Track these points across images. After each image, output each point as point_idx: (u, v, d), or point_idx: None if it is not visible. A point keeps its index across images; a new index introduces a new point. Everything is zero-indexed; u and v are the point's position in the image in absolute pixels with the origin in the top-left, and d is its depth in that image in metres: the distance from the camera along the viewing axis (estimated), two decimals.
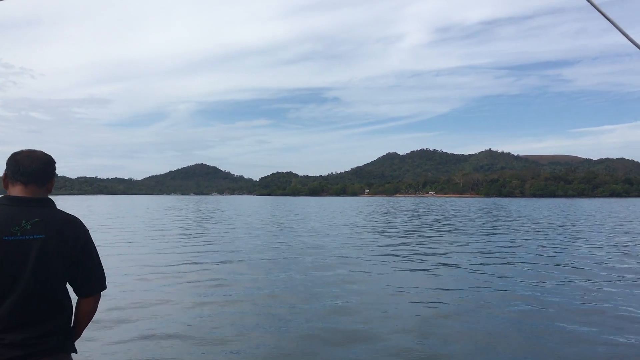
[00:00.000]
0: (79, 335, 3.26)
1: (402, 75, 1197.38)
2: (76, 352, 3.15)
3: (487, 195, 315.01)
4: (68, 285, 3.10)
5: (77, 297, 3.17)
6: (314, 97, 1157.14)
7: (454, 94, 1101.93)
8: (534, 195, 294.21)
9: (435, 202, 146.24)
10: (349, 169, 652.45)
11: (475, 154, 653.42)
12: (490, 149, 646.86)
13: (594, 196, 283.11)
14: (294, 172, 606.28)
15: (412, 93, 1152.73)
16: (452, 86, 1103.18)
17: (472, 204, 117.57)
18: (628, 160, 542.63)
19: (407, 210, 70.37)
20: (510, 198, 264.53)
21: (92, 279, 3.14)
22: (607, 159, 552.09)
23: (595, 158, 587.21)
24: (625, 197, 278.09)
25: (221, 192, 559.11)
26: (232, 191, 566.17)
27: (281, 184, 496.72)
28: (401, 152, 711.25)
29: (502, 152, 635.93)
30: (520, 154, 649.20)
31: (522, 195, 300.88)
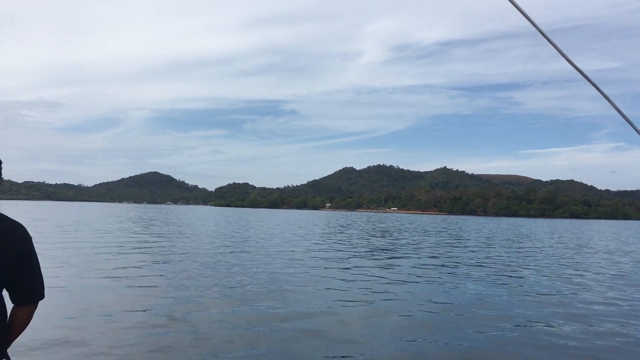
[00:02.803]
0: (10, 343, 3.16)
1: (360, 91, 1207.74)
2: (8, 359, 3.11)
3: (451, 212, 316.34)
4: (4, 292, 3.06)
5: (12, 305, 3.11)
6: (271, 109, 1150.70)
7: (409, 112, 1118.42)
8: (497, 214, 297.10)
9: (403, 218, 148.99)
10: (306, 182, 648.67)
11: (431, 171, 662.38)
12: (445, 166, 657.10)
13: (555, 217, 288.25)
14: (250, 184, 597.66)
15: (369, 109, 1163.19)
16: (408, 104, 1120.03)
17: (438, 222, 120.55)
18: (577, 182, 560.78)
19: (386, 231, 65.20)
20: (474, 216, 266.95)
21: (31, 288, 3.07)
22: (558, 180, 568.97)
23: (544, 179, 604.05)
24: (584, 218, 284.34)
25: (175, 202, 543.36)
26: (187, 201, 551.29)
27: (238, 195, 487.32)
28: (358, 167, 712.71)
29: (457, 170, 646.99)
30: (475, 173, 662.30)
31: (485, 213, 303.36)
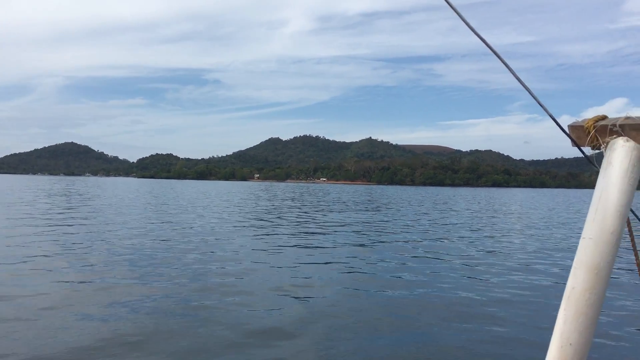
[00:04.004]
0: None
1: (285, 61, 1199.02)
2: None
3: (379, 182, 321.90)
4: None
5: None
6: (194, 78, 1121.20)
7: (334, 82, 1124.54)
8: (424, 184, 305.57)
9: (331, 189, 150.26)
10: (232, 153, 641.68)
11: (357, 141, 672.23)
12: (370, 137, 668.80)
13: (478, 185, 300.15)
14: (174, 154, 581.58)
15: (294, 79, 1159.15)
16: (333, 74, 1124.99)
17: (364, 191, 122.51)
18: (495, 152, 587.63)
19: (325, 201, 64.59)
20: (402, 186, 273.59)
21: None
22: (477, 150, 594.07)
23: (464, 149, 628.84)
24: (505, 186, 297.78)
25: (95, 173, 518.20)
26: (107, 172, 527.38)
27: (162, 166, 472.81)
28: (284, 138, 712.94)
29: (382, 140, 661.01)
30: (399, 143, 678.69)
31: (413, 183, 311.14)
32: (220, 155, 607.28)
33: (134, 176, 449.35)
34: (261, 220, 31.47)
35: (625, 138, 1.60)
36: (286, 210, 43.53)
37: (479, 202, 70.46)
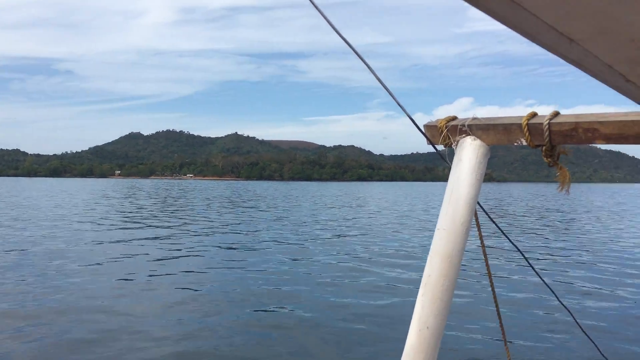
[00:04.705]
0: None
1: (145, 52, 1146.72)
2: None
3: (248, 178, 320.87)
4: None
5: None
6: (43, 68, 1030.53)
7: (198, 76, 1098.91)
8: (292, 179, 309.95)
9: (201, 185, 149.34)
10: (88, 148, 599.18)
11: (222, 136, 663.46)
12: (236, 132, 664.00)
13: (344, 180, 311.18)
14: (22, 150, 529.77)
15: (155, 72, 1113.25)
16: (196, 68, 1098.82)
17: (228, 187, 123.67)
18: (357, 147, 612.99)
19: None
20: (271, 181, 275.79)
21: None
22: (340, 146, 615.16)
23: (328, 144, 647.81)
24: (369, 180, 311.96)
25: None
26: None
27: (7, 163, 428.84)
28: (145, 132, 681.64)
29: (248, 135, 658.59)
30: (265, 138, 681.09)
31: (282, 178, 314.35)
32: (75, 151, 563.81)
33: None
34: (123, 223, 29.09)
35: (473, 137, 1.74)
36: (155, 210, 41.82)
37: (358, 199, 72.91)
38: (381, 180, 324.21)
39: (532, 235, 25.96)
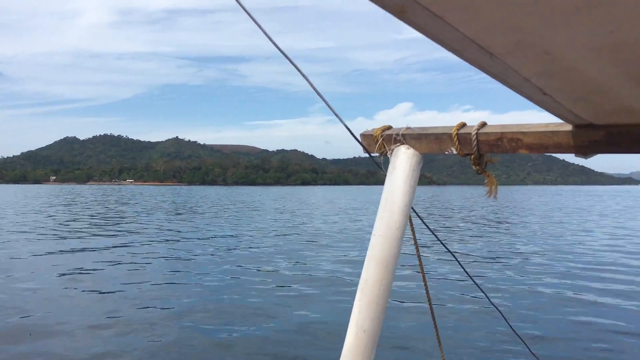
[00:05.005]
0: None
1: (81, 54, 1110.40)
2: None
3: (191, 183, 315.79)
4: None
5: None
6: None
7: (137, 79, 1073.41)
8: (236, 183, 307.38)
9: (142, 190, 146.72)
10: (20, 154, 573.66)
11: (163, 141, 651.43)
12: (177, 136, 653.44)
13: (288, 184, 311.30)
14: None
15: (92, 75, 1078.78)
16: (135, 71, 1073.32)
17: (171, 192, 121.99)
18: (300, 151, 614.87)
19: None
20: (214, 186, 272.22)
21: None
22: (283, 150, 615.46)
23: (271, 149, 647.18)
24: (314, 184, 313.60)
25: None
26: None
27: None
28: (82, 137, 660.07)
29: (189, 140, 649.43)
30: (207, 143, 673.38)
31: (225, 183, 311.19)
32: (5, 156, 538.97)
33: None
34: (57, 232, 27.59)
35: (407, 146, 1.81)
36: (92, 217, 40.81)
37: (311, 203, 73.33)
38: (325, 184, 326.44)
39: (466, 236, 27.00)
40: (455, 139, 1.79)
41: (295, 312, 11.10)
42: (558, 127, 1.69)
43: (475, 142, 1.76)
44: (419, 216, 2.11)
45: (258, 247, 21.56)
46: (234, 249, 21.26)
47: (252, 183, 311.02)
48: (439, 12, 0.80)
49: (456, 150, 1.79)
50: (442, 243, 2.66)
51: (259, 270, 16.18)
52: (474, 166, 1.82)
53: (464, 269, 2.77)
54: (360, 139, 1.98)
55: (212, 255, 19.43)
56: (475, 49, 0.96)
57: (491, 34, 0.90)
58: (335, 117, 2.05)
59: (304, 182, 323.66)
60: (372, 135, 1.91)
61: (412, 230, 2.07)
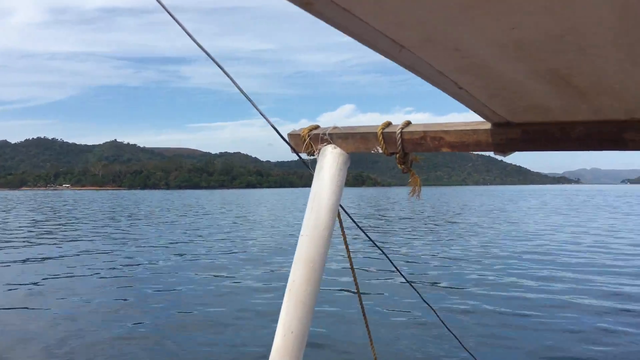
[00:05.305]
0: None
1: (10, 54, 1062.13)
2: None
3: (131, 187, 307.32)
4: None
5: None
6: None
7: (71, 81, 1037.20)
8: (179, 187, 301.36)
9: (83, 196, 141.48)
10: None
11: (100, 144, 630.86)
12: (115, 139, 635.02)
13: (233, 187, 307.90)
14: None
15: (23, 75, 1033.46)
16: (69, 72, 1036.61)
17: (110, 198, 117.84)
18: (243, 154, 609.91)
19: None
20: (157, 190, 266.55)
21: None
22: (227, 153, 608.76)
23: (214, 152, 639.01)
24: (259, 187, 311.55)
25: None
26: None
27: None
28: (13, 140, 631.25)
29: (129, 143, 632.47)
30: (147, 146, 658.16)
31: (168, 187, 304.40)
32: None
33: None
34: None
35: (333, 145, 1.81)
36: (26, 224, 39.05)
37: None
38: (270, 186, 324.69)
39: (401, 236, 27.40)
40: (380, 138, 1.79)
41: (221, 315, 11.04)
42: (478, 126, 1.71)
43: (399, 141, 1.77)
44: (348, 214, 2.07)
45: (198, 253, 20.85)
46: (173, 256, 20.44)
47: (196, 186, 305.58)
48: (346, 5, 0.80)
49: (382, 149, 1.79)
50: (372, 242, 2.63)
51: (197, 275, 15.87)
52: (399, 165, 1.82)
53: (396, 267, 2.67)
54: (288, 139, 1.98)
55: (149, 264, 18.42)
56: (387, 42, 0.95)
57: (400, 29, 0.90)
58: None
59: (249, 185, 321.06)
60: (299, 135, 1.91)
61: (342, 229, 2.03)
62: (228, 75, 2.01)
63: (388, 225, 35.51)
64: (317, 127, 1.92)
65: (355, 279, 2.16)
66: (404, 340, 9.21)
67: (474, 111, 1.59)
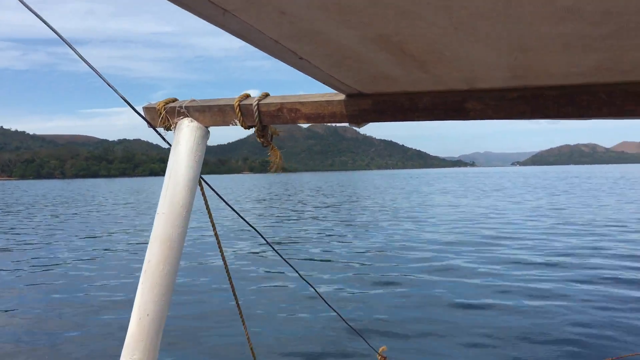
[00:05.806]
0: None
1: None
2: None
3: (23, 177, 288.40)
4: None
5: None
6: None
7: None
8: (77, 176, 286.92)
9: None
10: None
11: None
12: (2, 126, 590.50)
13: (136, 175, 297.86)
14: None
15: None
16: None
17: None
18: (144, 141, 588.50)
19: None
20: (52, 180, 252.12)
21: None
22: (126, 140, 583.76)
23: (111, 138, 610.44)
24: (162, 175, 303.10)
25: None
26: None
27: None
28: None
29: (16, 130, 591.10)
30: (37, 133, 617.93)
31: (64, 176, 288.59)
32: None
33: None
34: None
35: (190, 119, 1.76)
36: None
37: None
38: None
39: (290, 219, 27.74)
40: (237, 110, 1.76)
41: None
42: (332, 97, 1.69)
43: (257, 114, 1.74)
44: (212, 188, 2.00)
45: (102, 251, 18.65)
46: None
47: (95, 175, 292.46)
48: None
49: (239, 122, 1.77)
50: (239, 215, 2.34)
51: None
52: (258, 138, 1.81)
53: (264, 238, 2.46)
54: (143, 113, 1.90)
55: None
56: (208, 5, 0.91)
57: None
58: None
59: (153, 173, 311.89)
60: (155, 108, 1.84)
61: (207, 205, 1.99)
62: (79, 55, 1.88)
63: (275, 210, 34.76)
64: (174, 100, 1.86)
65: (223, 257, 2.07)
66: (280, 314, 9.16)
67: (322, 82, 1.55)
